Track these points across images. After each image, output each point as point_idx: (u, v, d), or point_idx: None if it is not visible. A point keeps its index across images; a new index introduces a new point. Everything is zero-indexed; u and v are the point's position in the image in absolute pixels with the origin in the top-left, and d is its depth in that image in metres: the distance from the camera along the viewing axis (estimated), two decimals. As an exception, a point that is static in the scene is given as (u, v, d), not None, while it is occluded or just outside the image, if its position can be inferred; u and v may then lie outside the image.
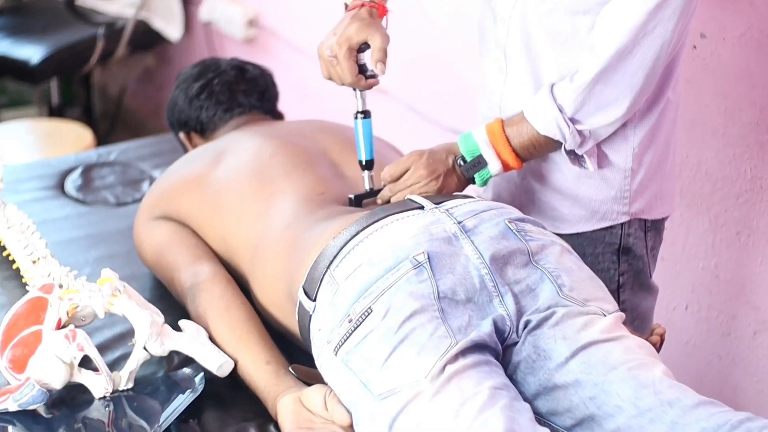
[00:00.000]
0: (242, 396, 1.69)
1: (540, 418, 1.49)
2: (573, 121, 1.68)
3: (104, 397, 1.65)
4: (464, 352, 1.44)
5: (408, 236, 1.56)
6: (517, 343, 1.52)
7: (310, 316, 1.60)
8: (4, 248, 2.05)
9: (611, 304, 1.58)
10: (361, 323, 1.49)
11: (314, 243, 1.64)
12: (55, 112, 4.16)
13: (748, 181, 2.15)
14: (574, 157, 1.74)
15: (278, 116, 2.31)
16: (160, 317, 1.72)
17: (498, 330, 1.50)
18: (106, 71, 4.34)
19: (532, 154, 1.74)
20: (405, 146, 1.97)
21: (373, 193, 1.80)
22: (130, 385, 1.68)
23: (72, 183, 2.50)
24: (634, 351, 1.49)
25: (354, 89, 1.78)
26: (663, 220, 1.88)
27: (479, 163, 1.73)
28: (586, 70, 1.65)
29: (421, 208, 1.64)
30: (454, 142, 1.76)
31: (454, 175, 1.75)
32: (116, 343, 1.83)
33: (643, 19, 1.60)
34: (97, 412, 1.64)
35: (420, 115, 2.96)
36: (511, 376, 1.51)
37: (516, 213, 1.66)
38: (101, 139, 3.87)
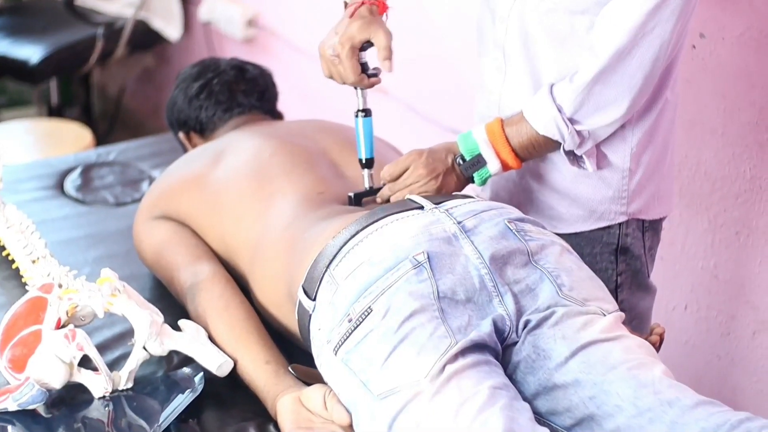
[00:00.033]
0: (242, 396, 1.69)
1: (539, 417, 1.49)
2: (572, 121, 1.68)
3: (104, 396, 1.65)
4: (464, 352, 1.44)
5: (408, 236, 1.56)
6: (516, 342, 1.52)
7: (310, 315, 1.60)
8: (3, 248, 2.05)
9: (611, 303, 1.58)
10: (360, 323, 1.49)
11: (314, 242, 1.64)
12: (55, 112, 4.17)
13: (747, 181, 2.15)
14: (573, 157, 1.74)
15: (278, 116, 2.31)
16: (159, 317, 1.72)
17: (498, 330, 1.50)
18: (106, 71, 4.34)
19: (532, 154, 1.74)
20: (405, 146, 1.97)
21: (373, 191, 1.80)
22: (130, 384, 1.68)
23: (71, 183, 2.50)
24: (634, 351, 1.49)
25: (355, 88, 1.78)
26: (661, 220, 1.88)
27: (478, 162, 1.73)
28: (586, 71, 1.65)
29: (421, 208, 1.64)
30: (453, 141, 1.76)
31: (454, 175, 1.75)
32: (116, 343, 1.83)
33: (642, 20, 1.60)
34: (97, 411, 1.64)
35: (420, 115, 2.96)
36: (511, 376, 1.51)
37: (516, 213, 1.66)
38: (100, 139, 3.87)
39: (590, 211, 1.81)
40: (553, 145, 1.72)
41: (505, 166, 1.73)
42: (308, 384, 1.61)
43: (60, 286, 1.77)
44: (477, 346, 1.46)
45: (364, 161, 1.80)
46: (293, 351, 1.74)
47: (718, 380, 2.32)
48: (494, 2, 1.77)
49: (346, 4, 1.79)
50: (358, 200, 1.79)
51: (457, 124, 2.64)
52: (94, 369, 1.66)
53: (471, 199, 1.69)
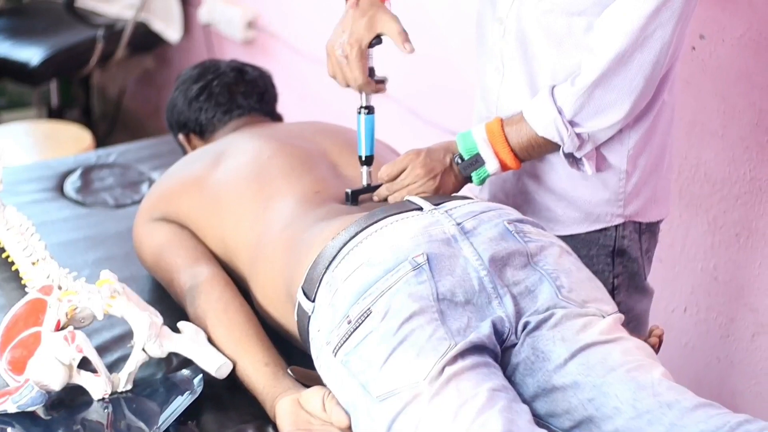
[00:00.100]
0: (241, 398, 1.69)
1: (539, 419, 1.49)
2: (572, 123, 1.68)
3: (103, 398, 1.65)
4: (463, 354, 1.44)
5: (407, 237, 1.56)
6: (516, 344, 1.52)
7: (309, 317, 1.60)
8: (3, 250, 2.05)
9: (610, 305, 1.58)
10: (360, 324, 1.49)
11: (312, 243, 1.64)
12: (55, 113, 4.17)
13: (747, 182, 2.15)
14: (573, 160, 1.74)
15: (277, 118, 2.32)
16: (158, 319, 1.72)
17: (497, 332, 1.50)
18: (106, 73, 4.34)
19: (531, 155, 1.74)
20: (403, 147, 1.97)
21: (371, 189, 1.79)
22: (129, 386, 1.68)
23: (71, 185, 2.50)
24: (633, 352, 1.49)
25: (360, 92, 1.77)
26: (658, 222, 1.88)
27: (477, 161, 1.73)
28: (587, 74, 1.65)
29: (420, 209, 1.64)
30: (452, 141, 1.76)
31: (452, 174, 1.75)
32: (115, 345, 1.83)
33: (642, 23, 1.60)
34: (96, 413, 1.64)
35: (419, 116, 2.96)
36: (510, 378, 1.51)
37: (515, 214, 1.66)
38: (100, 141, 3.87)
39: (587, 213, 1.81)
40: (552, 146, 1.72)
41: (504, 166, 1.73)
42: (307, 386, 1.61)
43: (59, 287, 1.78)
44: (476, 348, 1.46)
45: (363, 158, 1.80)
46: (292, 353, 1.74)
47: (718, 382, 2.31)
48: (493, 3, 1.77)
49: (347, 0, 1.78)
50: (355, 197, 1.79)
51: (456, 125, 2.63)
52: (94, 371, 1.66)
53: (470, 200, 1.69)
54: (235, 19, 3.69)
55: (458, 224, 1.58)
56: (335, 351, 1.51)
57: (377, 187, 1.78)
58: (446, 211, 1.62)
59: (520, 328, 1.52)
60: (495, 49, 1.78)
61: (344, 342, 1.50)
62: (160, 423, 1.60)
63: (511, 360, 1.52)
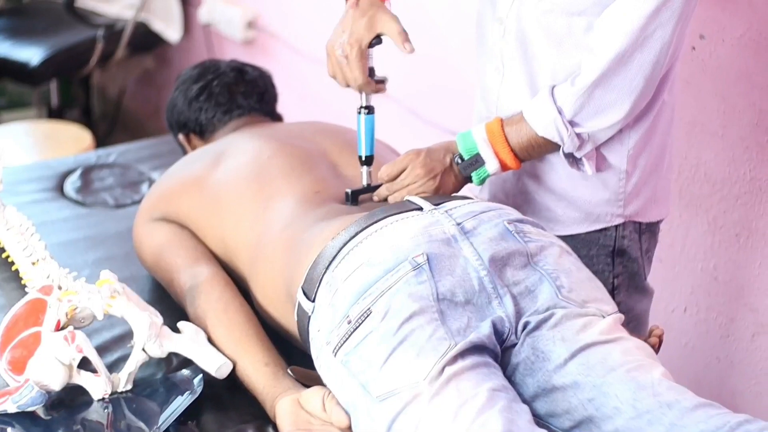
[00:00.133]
0: (241, 398, 1.69)
1: (539, 419, 1.49)
2: (572, 123, 1.68)
3: (103, 398, 1.65)
4: (463, 354, 1.44)
5: (407, 237, 1.56)
6: (516, 344, 1.52)
7: (309, 317, 1.60)
8: (3, 250, 2.05)
9: (610, 305, 1.58)
10: (360, 324, 1.49)
11: (312, 243, 1.64)
12: (55, 113, 4.17)
13: (747, 182, 2.15)
14: (573, 160, 1.74)
15: (277, 118, 2.32)
16: (159, 319, 1.72)
17: (497, 332, 1.50)
18: (106, 73, 4.34)
19: (531, 155, 1.74)
20: (403, 148, 1.97)
21: (371, 189, 1.79)
22: (129, 386, 1.68)
23: (71, 185, 2.50)
24: (633, 353, 1.49)
25: (360, 92, 1.77)
26: (658, 222, 1.88)
27: (476, 161, 1.73)
28: (587, 74, 1.65)
29: (420, 209, 1.64)
30: (452, 141, 1.76)
31: (452, 174, 1.75)
32: (115, 345, 1.83)
33: (642, 23, 1.60)
34: (96, 413, 1.64)
35: (419, 116, 2.96)
36: (510, 378, 1.51)
37: (515, 214, 1.66)
38: (100, 141, 3.87)
39: (587, 213, 1.81)
40: (552, 146, 1.72)
41: (504, 166, 1.73)
42: (307, 386, 1.61)
43: (59, 287, 1.78)
44: (476, 348, 1.46)
45: (363, 158, 1.80)
46: (292, 353, 1.74)
47: (718, 382, 2.32)
48: (493, 3, 1.77)
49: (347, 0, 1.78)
50: (355, 197, 1.79)
51: (456, 125, 2.63)
52: (94, 371, 1.66)
53: (470, 200, 1.69)
54: (235, 19, 3.69)
55: (458, 224, 1.58)
56: (335, 351, 1.51)
57: (377, 187, 1.78)
58: (446, 211, 1.62)
59: (520, 328, 1.52)
60: (495, 49, 1.78)
61: (344, 342, 1.50)
62: (160, 423, 1.60)
63: (511, 360, 1.52)
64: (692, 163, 2.24)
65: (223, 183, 1.91)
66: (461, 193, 1.78)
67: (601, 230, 1.82)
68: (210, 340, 1.74)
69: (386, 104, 2.93)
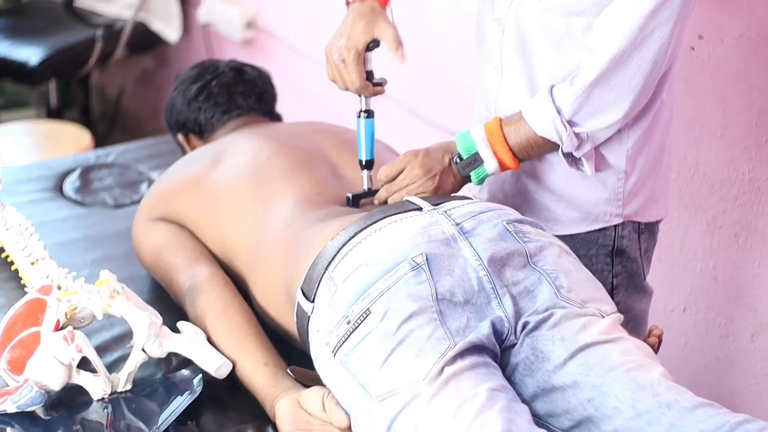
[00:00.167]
0: (240, 398, 1.69)
1: (538, 419, 1.49)
2: (571, 123, 1.68)
3: (103, 398, 1.65)
4: (462, 354, 1.44)
5: (406, 238, 1.56)
6: (515, 344, 1.52)
7: (309, 317, 1.60)
8: (2, 250, 2.05)
9: (609, 305, 1.58)
10: (359, 325, 1.49)
11: (312, 244, 1.64)
12: (54, 113, 4.17)
13: (746, 182, 2.15)
14: (572, 159, 1.74)
15: (276, 118, 2.32)
16: (158, 319, 1.72)
17: (496, 332, 1.50)
18: (105, 73, 4.34)
19: (530, 155, 1.74)
20: (403, 148, 1.97)
21: (371, 192, 1.80)
22: (129, 386, 1.68)
23: (70, 185, 2.50)
24: (632, 352, 1.49)
25: (359, 95, 1.78)
26: (657, 222, 1.88)
27: (475, 161, 1.73)
28: (585, 73, 1.65)
29: (419, 209, 1.64)
30: (451, 141, 1.76)
31: (451, 174, 1.75)
32: (115, 345, 1.83)
33: (641, 23, 1.60)
34: (96, 413, 1.64)
35: (419, 116, 2.96)
36: (510, 378, 1.51)
37: (514, 214, 1.66)
38: (99, 141, 3.87)
39: (586, 212, 1.81)
40: (551, 146, 1.72)
41: (503, 166, 1.73)
42: (307, 386, 1.61)
43: (59, 287, 1.78)
44: (475, 348, 1.46)
45: (364, 162, 1.81)
46: (292, 353, 1.74)
47: (717, 382, 2.32)
48: (492, 3, 1.77)
49: (348, 2, 1.79)
50: (356, 201, 1.79)
51: (456, 125, 2.63)
52: (93, 371, 1.66)
53: (469, 200, 1.69)
54: (234, 19, 3.69)
55: (457, 224, 1.59)
56: (334, 351, 1.51)
57: (378, 191, 1.78)
58: (445, 212, 1.62)
59: (519, 328, 1.52)
60: (494, 49, 1.78)
61: (343, 342, 1.50)
62: (159, 423, 1.60)
63: (511, 360, 1.53)
64: (691, 163, 2.24)
65: (222, 183, 1.91)
66: (460, 193, 1.78)
67: (600, 230, 1.82)
68: (209, 340, 1.74)
69: (386, 104, 2.93)
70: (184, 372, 1.72)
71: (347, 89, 1.77)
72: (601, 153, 1.76)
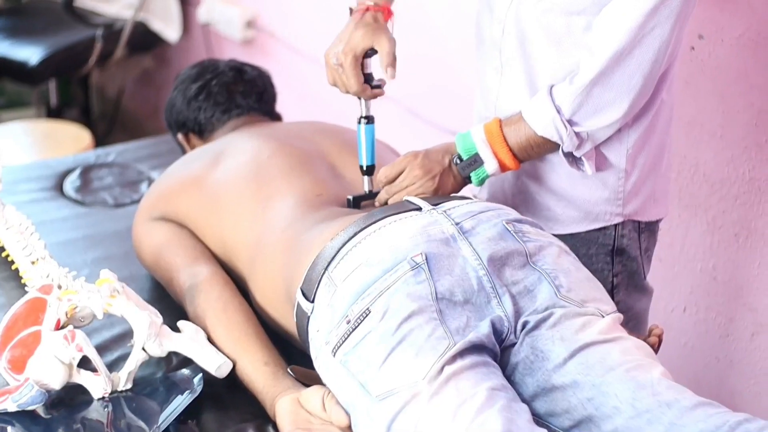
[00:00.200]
0: (241, 397, 1.69)
1: (538, 419, 1.49)
2: (571, 122, 1.68)
3: (103, 397, 1.65)
4: (462, 354, 1.44)
5: (406, 237, 1.56)
6: (515, 344, 1.52)
7: (308, 317, 1.60)
8: (2, 249, 2.05)
9: (609, 305, 1.58)
10: (359, 324, 1.49)
11: (312, 244, 1.64)
12: (54, 113, 4.17)
13: (746, 182, 2.15)
14: (572, 159, 1.74)
15: (276, 118, 2.32)
16: (158, 318, 1.72)
17: (496, 331, 1.50)
18: (105, 72, 4.34)
19: (530, 155, 1.74)
20: (403, 148, 1.97)
21: (372, 195, 1.80)
22: (129, 385, 1.68)
23: (70, 184, 2.50)
24: (632, 352, 1.49)
25: (359, 98, 1.78)
26: (657, 221, 1.88)
27: (475, 161, 1.73)
28: (585, 72, 1.65)
29: (419, 209, 1.64)
30: (451, 142, 1.76)
31: (451, 175, 1.75)
32: (115, 344, 1.83)
33: (641, 21, 1.60)
34: (96, 412, 1.64)
35: (419, 116, 2.96)
36: (509, 378, 1.51)
37: (514, 214, 1.66)
38: (99, 141, 3.87)
39: (586, 212, 1.81)
40: (551, 146, 1.72)
41: (503, 167, 1.73)
42: (307, 385, 1.61)
43: (59, 287, 1.78)
44: (475, 348, 1.46)
45: (365, 168, 1.81)
46: (292, 352, 1.74)
47: (717, 382, 2.32)
48: (492, 2, 1.77)
49: (351, 11, 1.79)
50: (357, 203, 1.80)
51: (456, 125, 2.63)
52: (94, 370, 1.66)
53: (469, 200, 1.70)
54: (234, 19, 3.69)
55: (457, 224, 1.59)
56: (334, 351, 1.51)
57: (378, 193, 1.78)
58: (445, 211, 1.62)
59: (519, 327, 1.52)
60: (494, 48, 1.78)
61: (343, 342, 1.50)
62: (160, 422, 1.60)
63: (511, 359, 1.53)
64: (691, 163, 2.24)
65: (222, 182, 1.91)
66: (461, 193, 1.79)
67: (600, 229, 1.82)
68: (209, 340, 1.74)
69: (386, 105, 2.93)
70: (185, 371, 1.72)
71: (348, 93, 1.78)
72: (602, 152, 1.76)
